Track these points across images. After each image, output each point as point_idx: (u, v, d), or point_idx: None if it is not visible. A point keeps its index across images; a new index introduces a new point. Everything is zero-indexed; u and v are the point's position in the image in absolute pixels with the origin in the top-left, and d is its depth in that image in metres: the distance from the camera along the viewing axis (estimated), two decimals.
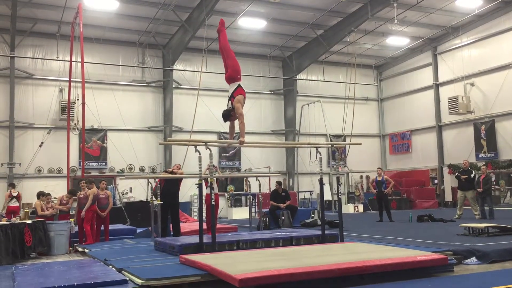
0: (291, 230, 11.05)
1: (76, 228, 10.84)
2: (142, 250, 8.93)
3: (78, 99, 17.34)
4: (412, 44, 24.73)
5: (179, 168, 11.45)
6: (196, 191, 8.58)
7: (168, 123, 22.09)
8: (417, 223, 13.70)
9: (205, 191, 8.46)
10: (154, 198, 10.81)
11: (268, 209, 14.09)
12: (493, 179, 19.94)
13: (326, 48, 23.02)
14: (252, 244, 8.44)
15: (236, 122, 7.61)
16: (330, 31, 22.46)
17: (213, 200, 8.17)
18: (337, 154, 10.72)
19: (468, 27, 22.75)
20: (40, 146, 19.02)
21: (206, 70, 21.55)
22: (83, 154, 14.55)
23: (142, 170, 21.69)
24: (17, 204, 13.69)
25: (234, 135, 8.00)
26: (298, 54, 24.70)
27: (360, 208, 22.87)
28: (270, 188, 20.30)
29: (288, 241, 8.76)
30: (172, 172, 11.19)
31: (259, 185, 11.66)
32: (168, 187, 10.81)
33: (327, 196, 21.43)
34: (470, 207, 14.23)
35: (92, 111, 18.35)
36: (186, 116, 21.49)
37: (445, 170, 23.93)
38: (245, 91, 7.68)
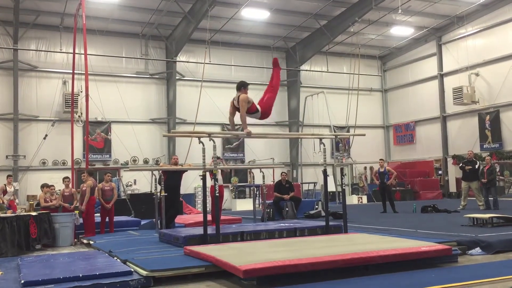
0: (295, 221, 11.08)
1: (81, 220, 10.91)
2: (147, 242, 8.95)
3: (81, 91, 17.35)
4: (417, 34, 24.56)
5: (177, 160, 11.48)
6: (200, 183, 8.57)
7: (172, 115, 22.07)
8: (421, 214, 13.70)
9: (209, 182, 8.44)
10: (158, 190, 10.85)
11: (272, 201, 14.12)
12: (498, 169, 19.87)
13: (329, 39, 22.87)
14: (256, 236, 8.47)
15: (237, 116, 7.61)
16: (333, 21, 22.32)
17: (217, 191, 8.18)
18: (341, 145, 10.75)
19: (473, 17, 22.55)
20: (44, 138, 19.06)
21: (210, 61, 21.47)
22: (87, 146, 14.54)
23: (146, 162, 21.74)
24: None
25: (237, 127, 7.97)
26: (302, 45, 24.58)
27: (364, 199, 22.85)
28: (274, 179, 20.30)
29: (292, 232, 8.78)
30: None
31: (263, 176, 11.67)
32: (170, 180, 10.86)
33: (331, 187, 21.44)
34: (474, 198, 14.19)
35: (95, 103, 18.42)
36: (189, 108, 21.45)
37: (449, 160, 23.85)
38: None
